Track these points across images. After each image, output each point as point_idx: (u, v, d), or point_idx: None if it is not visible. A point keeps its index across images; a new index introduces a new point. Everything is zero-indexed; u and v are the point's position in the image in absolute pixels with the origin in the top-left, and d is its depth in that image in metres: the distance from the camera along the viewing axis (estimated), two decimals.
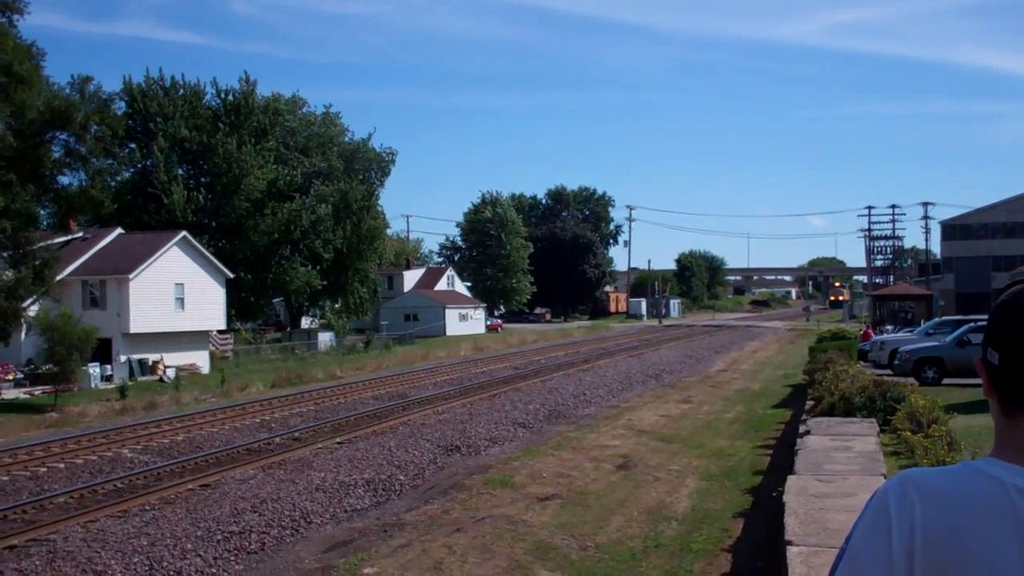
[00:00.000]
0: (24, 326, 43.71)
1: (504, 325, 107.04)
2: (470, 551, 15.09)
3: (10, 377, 43.86)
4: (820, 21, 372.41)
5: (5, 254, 42.27)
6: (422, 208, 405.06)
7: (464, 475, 21.90)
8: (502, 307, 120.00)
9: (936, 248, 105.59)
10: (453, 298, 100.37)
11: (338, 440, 26.87)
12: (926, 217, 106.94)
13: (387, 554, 15.21)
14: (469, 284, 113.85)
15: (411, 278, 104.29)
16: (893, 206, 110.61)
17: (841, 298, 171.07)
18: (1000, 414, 1.93)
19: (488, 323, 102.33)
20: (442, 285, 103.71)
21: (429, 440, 26.11)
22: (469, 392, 39.48)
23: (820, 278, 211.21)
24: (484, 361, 58.70)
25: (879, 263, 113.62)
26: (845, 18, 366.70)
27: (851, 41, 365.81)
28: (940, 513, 1.79)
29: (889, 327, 53.41)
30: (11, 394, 41.58)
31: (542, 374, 47.00)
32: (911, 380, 28.98)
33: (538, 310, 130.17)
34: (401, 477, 21.51)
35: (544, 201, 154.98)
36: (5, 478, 22.50)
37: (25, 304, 42.79)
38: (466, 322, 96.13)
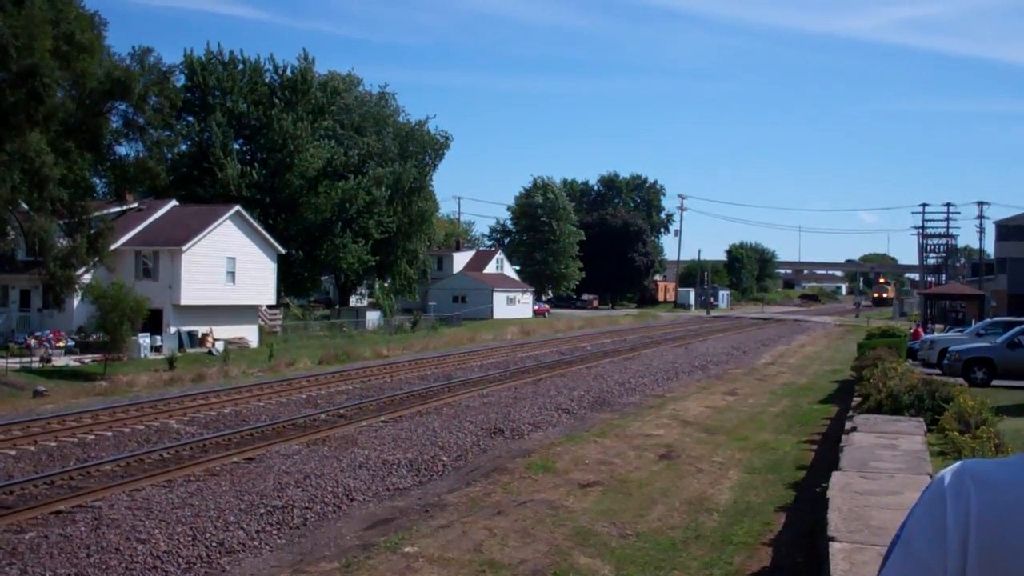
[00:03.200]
0: (77, 294, 44.33)
1: (551, 310, 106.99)
2: (510, 534, 15.11)
3: (61, 344, 44.50)
4: (882, 16, 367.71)
5: (61, 222, 42.88)
6: (474, 191, 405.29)
7: (506, 458, 21.93)
8: (550, 292, 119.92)
9: (990, 248, 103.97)
10: (501, 281, 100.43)
11: (383, 419, 27.00)
12: (981, 217, 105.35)
13: (427, 534, 15.27)
14: (518, 268, 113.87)
15: (460, 260, 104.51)
16: (948, 204, 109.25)
17: (885, 295, 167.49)
18: None
19: (535, 307, 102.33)
20: (491, 268, 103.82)
21: (473, 422, 26.17)
22: (514, 376, 39.51)
23: (871, 274, 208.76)
24: (530, 345, 58.72)
25: (931, 261, 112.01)
26: (908, 14, 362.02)
27: (912, 37, 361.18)
28: (995, 500, 1.76)
29: (939, 326, 52.72)
30: (62, 361, 42.20)
31: (587, 360, 46.93)
32: (960, 380, 28.57)
33: (585, 296, 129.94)
34: (444, 458, 21.58)
35: (596, 187, 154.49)
36: (53, 444, 22.85)
37: (79, 272, 43.42)
38: (513, 306, 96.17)
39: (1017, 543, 1.73)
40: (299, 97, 70.52)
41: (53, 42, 38.73)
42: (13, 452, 21.67)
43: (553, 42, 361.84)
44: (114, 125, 45.49)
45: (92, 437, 23.88)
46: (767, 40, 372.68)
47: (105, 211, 49.11)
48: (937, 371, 32.12)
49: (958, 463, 1.86)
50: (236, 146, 69.70)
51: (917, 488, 12.01)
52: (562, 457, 21.83)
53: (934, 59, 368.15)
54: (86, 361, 42.35)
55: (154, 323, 48.39)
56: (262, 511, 16.30)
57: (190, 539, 14.62)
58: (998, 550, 1.73)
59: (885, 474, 12.86)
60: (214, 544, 14.60)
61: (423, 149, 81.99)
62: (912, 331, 48.15)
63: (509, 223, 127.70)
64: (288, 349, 51.41)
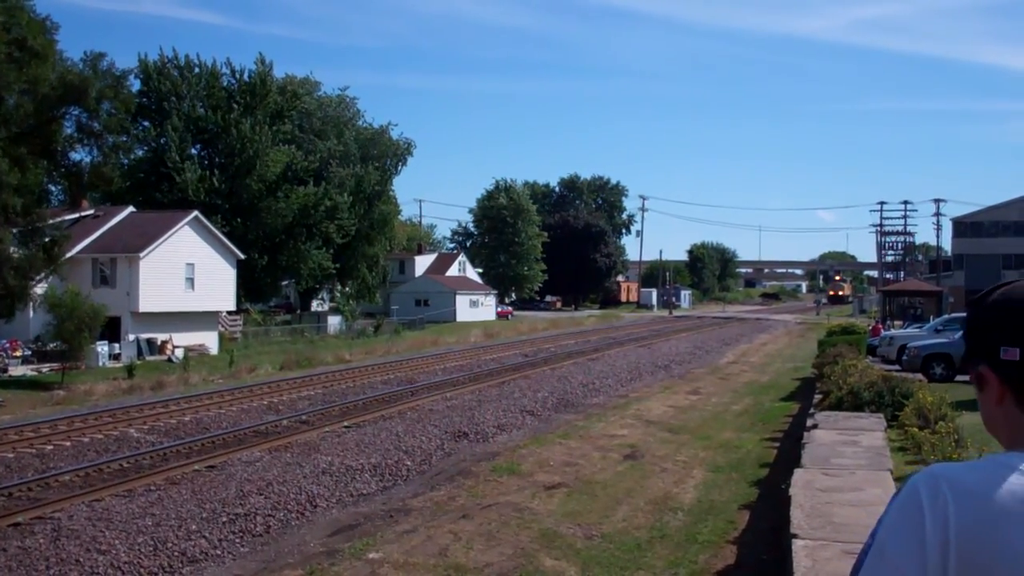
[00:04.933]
0: (32, 303, 43.75)
1: (515, 312, 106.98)
2: (476, 538, 15.06)
3: (18, 354, 43.91)
4: (841, 17, 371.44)
5: (15, 230, 42.29)
6: (435, 193, 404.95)
7: (471, 462, 21.88)
8: (513, 294, 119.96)
9: (947, 245, 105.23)
10: (464, 284, 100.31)
11: (345, 424, 26.87)
12: (938, 214, 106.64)
13: (392, 539, 15.19)
14: (480, 270, 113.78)
15: (423, 263, 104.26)
16: (905, 202, 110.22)
17: (841, 292, 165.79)
18: (1020, 412, 1.90)
19: (499, 310, 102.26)
20: (453, 271, 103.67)
21: (437, 426, 26.09)
22: (478, 379, 39.46)
23: (831, 272, 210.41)
24: (494, 348, 58.69)
25: (890, 259, 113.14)
26: (866, 14, 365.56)
27: (870, 37, 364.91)
28: (974, 508, 1.76)
29: (898, 323, 53.25)
30: (19, 371, 41.64)
31: (551, 362, 46.97)
32: (919, 376, 28.84)
33: (549, 298, 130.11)
34: (408, 462, 21.50)
35: (557, 189, 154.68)
36: (11, 455, 22.53)
37: (34, 281, 42.85)
38: (477, 308, 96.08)
39: (998, 552, 1.73)
40: (258, 101, 70.03)
41: (5, 47, 38.22)
42: None
43: (512, 44, 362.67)
44: (68, 131, 44.93)
45: (50, 447, 23.58)
46: (724, 41, 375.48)
47: (61, 218, 48.51)
48: (896, 367, 32.42)
49: (929, 468, 1.86)
50: (194, 151, 69.08)
51: (878, 484, 12.08)
52: (527, 459, 21.80)
53: (891, 59, 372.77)
54: (43, 371, 41.82)
55: (112, 331, 47.86)
56: (224, 519, 16.15)
57: (151, 549, 14.46)
58: (979, 560, 1.73)
59: (847, 471, 12.94)
60: (176, 554, 14.45)
61: (385, 153, 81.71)
62: (871, 328, 48.60)
63: (471, 226, 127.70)
64: (249, 355, 51.04)
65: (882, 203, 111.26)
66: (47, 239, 43.35)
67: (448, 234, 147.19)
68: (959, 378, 30.07)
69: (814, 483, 12.11)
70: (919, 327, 43.57)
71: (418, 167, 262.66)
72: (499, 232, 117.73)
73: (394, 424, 26.57)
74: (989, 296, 1.99)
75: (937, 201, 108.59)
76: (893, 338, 39.37)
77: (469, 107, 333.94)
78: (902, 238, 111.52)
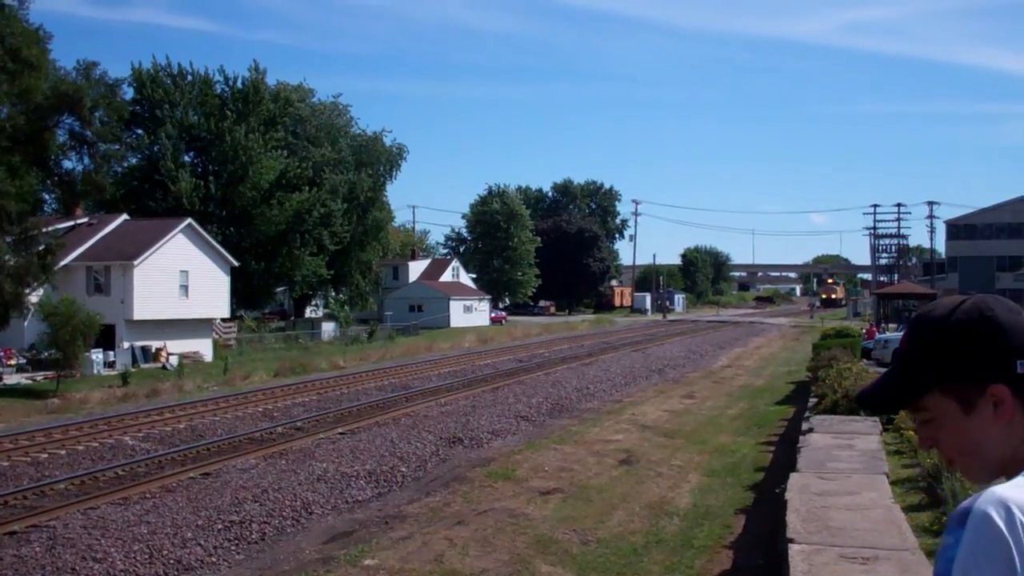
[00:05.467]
0: (27, 311, 43.71)
1: (508, 317, 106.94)
2: (471, 544, 15.05)
3: (12, 362, 43.86)
4: (832, 19, 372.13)
5: (9, 239, 42.26)
6: (428, 199, 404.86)
7: (466, 467, 21.87)
8: (507, 299, 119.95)
9: (941, 247, 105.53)
10: (458, 289, 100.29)
11: (340, 431, 26.85)
12: (931, 216, 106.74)
13: (388, 546, 15.18)
14: (474, 276, 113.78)
15: (416, 269, 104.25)
16: (899, 205, 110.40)
17: (834, 296, 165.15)
18: None
19: (492, 315, 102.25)
20: (447, 276, 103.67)
21: (432, 432, 26.07)
22: (472, 384, 39.44)
23: (825, 275, 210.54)
24: (488, 353, 58.66)
25: (884, 261, 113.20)
26: (856, 17, 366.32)
27: (861, 40, 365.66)
28: None
29: (893, 325, 53.31)
30: (13, 379, 41.58)
31: (545, 367, 46.96)
32: None
33: (542, 303, 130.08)
34: (403, 469, 21.48)
35: (550, 194, 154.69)
36: (6, 464, 22.49)
37: (29, 290, 42.83)
38: (470, 314, 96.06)
39: None
40: (251, 109, 70.08)
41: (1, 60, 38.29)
42: None
43: (504, 50, 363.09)
44: (60, 139, 44.96)
45: (45, 456, 23.53)
46: (716, 44, 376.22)
47: (55, 226, 48.52)
48: None
49: (989, 494, 1.77)
50: (188, 159, 69.13)
51: (874, 488, 12.10)
52: (522, 465, 21.80)
53: (883, 61, 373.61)
54: (38, 379, 41.77)
55: (107, 339, 47.84)
56: (220, 527, 16.13)
57: (147, 557, 14.43)
58: None
59: (842, 474, 12.97)
60: (171, 561, 14.43)
61: (378, 159, 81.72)
62: (866, 331, 48.66)
63: (464, 231, 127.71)
64: (243, 362, 50.99)
65: (875, 206, 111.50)
66: (41, 247, 43.35)
67: (442, 240, 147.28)
68: None
69: (810, 487, 12.14)
70: None
71: (411, 173, 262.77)
72: (492, 237, 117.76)
73: (389, 430, 26.55)
74: (957, 315, 1.92)
75: (931, 203, 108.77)
76: (888, 341, 39.42)
77: (461, 112, 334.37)
78: (896, 241, 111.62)
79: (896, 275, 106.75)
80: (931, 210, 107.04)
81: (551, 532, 15.95)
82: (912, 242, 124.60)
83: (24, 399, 36.70)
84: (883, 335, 44.22)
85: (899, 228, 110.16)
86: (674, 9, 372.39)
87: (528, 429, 28.16)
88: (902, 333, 2.05)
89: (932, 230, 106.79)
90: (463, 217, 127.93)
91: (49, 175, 47.82)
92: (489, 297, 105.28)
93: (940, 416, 1.91)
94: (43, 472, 21.60)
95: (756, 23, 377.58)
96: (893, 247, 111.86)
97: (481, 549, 14.83)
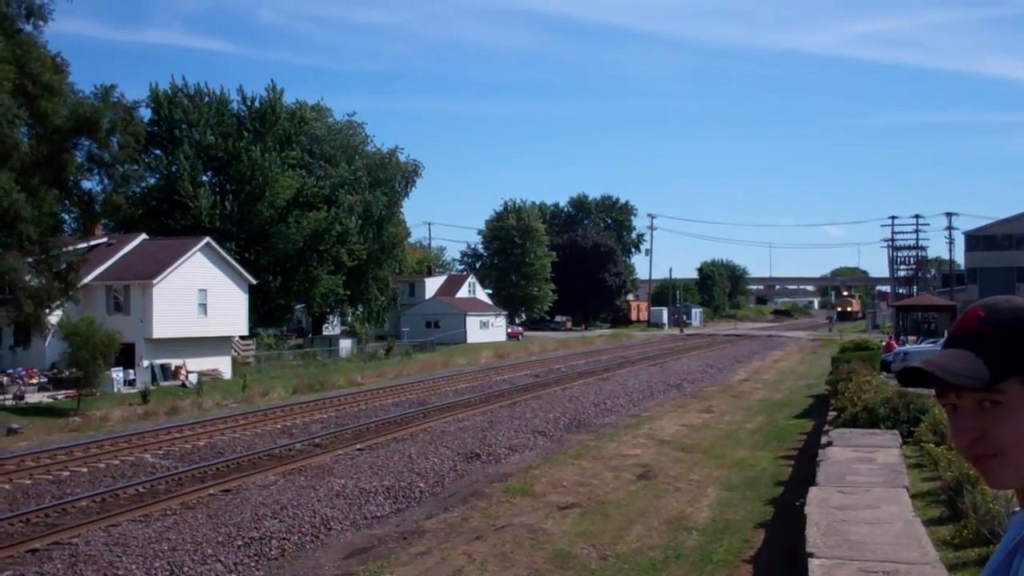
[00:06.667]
0: (48, 331, 44.00)
1: (525, 333, 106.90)
2: (490, 559, 15.07)
3: (34, 381, 44.13)
4: (845, 31, 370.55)
5: (30, 259, 42.58)
6: (443, 215, 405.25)
7: (484, 483, 21.88)
8: (523, 315, 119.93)
9: (960, 259, 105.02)
10: (474, 305, 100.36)
11: (359, 447, 26.91)
12: (950, 228, 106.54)
13: (407, 561, 15.20)
14: (490, 291, 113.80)
15: (432, 285, 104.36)
16: (916, 216, 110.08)
17: (849, 308, 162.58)
18: None
19: (509, 331, 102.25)
20: (463, 292, 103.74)
21: (449, 447, 26.11)
22: (489, 400, 39.46)
23: (843, 288, 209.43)
24: (505, 369, 58.68)
25: (902, 274, 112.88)
26: (870, 28, 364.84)
27: (875, 51, 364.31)
28: None
29: (912, 338, 53.12)
30: (35, 398, 41.82)
31: (563, 382, 46.94)
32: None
33: (559, 318, 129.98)
34: (421, 484, 21.51)
35: (566, 209, 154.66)
36: (28, 482, 22.63)
37: (50, 310, 43.14)
38: (487, 329, 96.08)
39: None
40: (267, 128, 70.48)
41: (17, 81, 38.66)
42: None
43: (517, 66, 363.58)
44: (79, 160, 45.34)
45: (67, 473, 23.67)
46: (730, 58, 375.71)
47: (75, 246, 48.85)
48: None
49: None
50: (205, 178, 69.52)
51: (895, 502, 12.07)
52: (540, 480, 21.80)
53: (897, 72, 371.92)
54: (59, 397, 41.99)
55: (127, 357, 48.07)
56: (239, 543, 16.19)
57: (168, 573, 14.50)
58: None
59: (862, 488, 12.93)
60: None
61: (393, 177, 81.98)
62: (885, 344, 48.47)
63: (480, 247, 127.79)
64: (262, 380, 51.15)
65: (893, 218, 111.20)
66: (62, 267, 43.71)
67: (458, 256, 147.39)
68: None
69: (829, 501, 12.11)
70: (933, 342, 43.45)
71: (427, 190, 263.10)
72: (508, 253, 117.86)
73: (407, 446, 26.60)
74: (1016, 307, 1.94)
75: (949, 215, 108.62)
76: (907, 354, 39.26)
77: (476, 129, 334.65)
78: (914, 252, 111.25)
79: (915, 287, 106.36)
80: (950, 221, 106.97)
81: (569, 547, 15.94)
82: (931, 254, 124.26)
83: (46, 417, 36.91)
84: (902, 347, 44.04)
85: (917, 240, 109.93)
86: (688, 24, 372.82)
87: (546, 444, 28.15)
88: (956, 324, 2.04)
89: (951, 241, 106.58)
90: (479, 233, 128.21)
91: (68, 195, 48.20)
92: (505, 313, 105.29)
93: (1013, 404, 1.89)
94: (64, 490, 21.72)
95: (771, 36, 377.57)
96: (911, 259, 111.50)
97: (499, 565, 14.85)
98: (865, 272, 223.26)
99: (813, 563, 9.12)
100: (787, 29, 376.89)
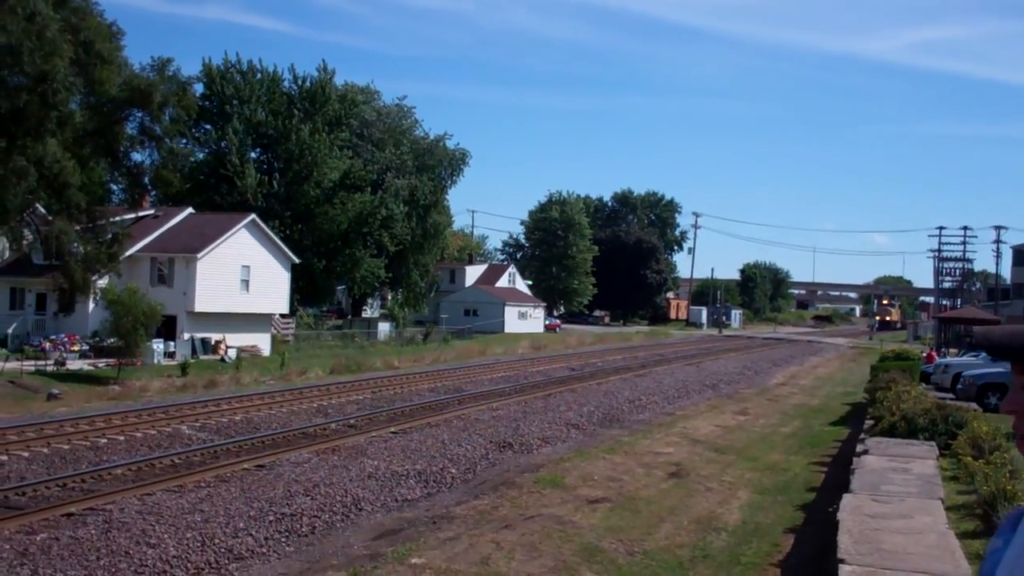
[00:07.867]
0: (94, 296, 44.55)
1: (563, 326, 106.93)
2: (517, 548, 15.11)
3: (75, 348, 44.66)
4: (901, 39, 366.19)
5: (78, 227, 43.12)
6: (487, 204, 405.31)
7: (515, 472, 21.92)
8: (562, 307, 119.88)
9: (1006, 273, 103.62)
10: (513, 295, 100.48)
11: (392, 430, 27.04)
12: (998, 241, 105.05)
13: (435, 545, 15.27)
14: (530, 283, 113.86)
15: (473, 273, 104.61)
16: (965, 228, 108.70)
17: (889, 318, 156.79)
18: None
19: (547, 323, 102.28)
20: (503, 282, 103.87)
21: (482, 435, 26.17)
22: (524, 390, 39.50)
23: (884, 297, 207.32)
24: (541, 360, 58.71)
25: (947, 285, 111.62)
26: (927, 36, 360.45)
27: (930, 59, 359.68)
28: None
29: (953, 350, 52.57)
30: (76, 365, 42.33)
31: (598, 377, 46.89)
32: (974, 405, 28.44)
33: (597, 312, 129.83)
34: (452, 470, 21.59)
35: (610, 204, 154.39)
36: (66, 447, 22.96)
37: (96, 277, 43.67)
38: (525, 320, 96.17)
39: None
40: (317, 108, 70.85)
41: (71, 48, 39.02)
42: (26, 454, 21.78)
43: (570, 58, 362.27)
44: (130, 132, 45.76)
45: (104, 441, 23.98)
46: (782, 59, 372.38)
47: (122, 217, 49.41)
48: (951, 396, 32.01)
49: None
50: (254, 155, 70.02)
51: (929, 512, 11.98)
52: (570, 473, 21.81)
53: (952, 82, 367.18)
54: (100, 365, 42.48)
55: (168, 329, 48.55)
56: (271, 518, 16.34)
57: (199, 544, 14.66)
58: None
59: (897, 497, 12.84)
60: (223, 550, 14.64)
61: (440, 163, 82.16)
62: (926, 355, 48.00)
63: (522, 237, 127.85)
64: (300, 358, 51.51)
65: (941, 228, 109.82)
66: (109, 236, 44.21)
67: (499, 245, 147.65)
68: None
69: (863, 508, 12.03)
70: (975, 355, 42.97)
71: (472, 178, 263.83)
72: (550, 245, 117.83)
73: (440, 432, 26.70)
74: None
75: (998, 228, 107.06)
76: (948, 366, 38.87)
77: (524, 119, 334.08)
78: (960, 264, 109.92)
79: (959, 299, 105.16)
80: (998, 234, 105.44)
81: (597, 541, 15.95)
82: (977, 266, 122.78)
83: (86, 384, 37.38)
84: (943, 360, 43.59)
85: (964, 251, 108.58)
86: (741, 23, 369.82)
87: (578, 437, 28.15)
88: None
89: (998, 255, 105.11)
90: (521, 223, 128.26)
91: (118, 166, 48.73)
92: (544, 304, 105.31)
93: None
94: (101, 456, 22.02)
95: (826, 39, 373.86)
96: (957, 271, 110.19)
97: (527, 554, 14.88)
98: (909, 282, 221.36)
99: (844, 569, 9.08)
100: (844, 33, 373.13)
